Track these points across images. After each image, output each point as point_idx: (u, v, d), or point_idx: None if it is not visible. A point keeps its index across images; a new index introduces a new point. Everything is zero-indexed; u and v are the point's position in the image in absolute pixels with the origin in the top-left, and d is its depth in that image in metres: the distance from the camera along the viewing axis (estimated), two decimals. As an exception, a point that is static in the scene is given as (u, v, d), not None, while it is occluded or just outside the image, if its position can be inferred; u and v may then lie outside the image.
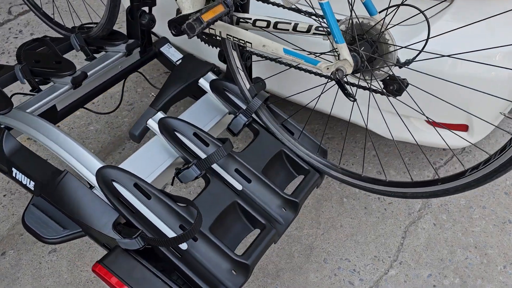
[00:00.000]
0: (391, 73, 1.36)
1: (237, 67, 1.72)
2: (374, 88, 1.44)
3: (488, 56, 1.68)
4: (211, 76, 1.87)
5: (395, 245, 2.12)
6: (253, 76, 1.91)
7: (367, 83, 1.40)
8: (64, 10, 3.40)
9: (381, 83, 1.42)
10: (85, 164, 1.49)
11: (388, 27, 1.30)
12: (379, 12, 1.37)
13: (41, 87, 1.86)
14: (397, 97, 1.43)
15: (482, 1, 1.69)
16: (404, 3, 1.28)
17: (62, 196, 1.43)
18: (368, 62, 1.34)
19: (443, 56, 1.29)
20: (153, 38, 2.20)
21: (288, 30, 1.49)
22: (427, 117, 1.42)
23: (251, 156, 1.64)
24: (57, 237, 1.47)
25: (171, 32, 1.57)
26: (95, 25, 2.01)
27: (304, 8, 1.50)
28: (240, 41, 1.52)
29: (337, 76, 1.28)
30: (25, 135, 1.65)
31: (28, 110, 1.73)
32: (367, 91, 1.49)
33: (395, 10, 1.30)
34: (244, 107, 1.76)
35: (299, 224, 2.19)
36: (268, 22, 1.52)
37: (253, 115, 1.75)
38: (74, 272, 2.01)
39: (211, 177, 1.56)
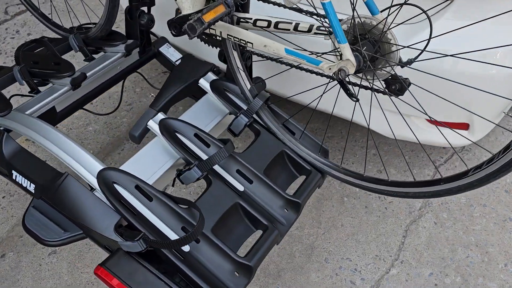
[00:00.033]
0: (393, 72, 1.35)
1: (238, 67, 1.71)
2: (376, 88, 1.43)
3: (489, 54, 1.68)
4: (211, 76, 1.86)
5: (396, 244, 2.12)
6: (253, 75, 1.90)
7: (369, 83, 1.40)
8: (61, 10, 3.38)
9: (383, 82, 1.42)
10: (86, 166, 1.48)
11: (390, 27, 1.29)
12: (381, 12, 1.36)
13: (40, 88, 1.84)
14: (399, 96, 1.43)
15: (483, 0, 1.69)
16: (407, 2, 1.27)
17: (63, 198, 1.42)
18: (370, 61, 1.33)
19: (446, 55, 1.28)
20: (152, 38, 2.19)
21: (289, 30, 1.48)
22: (430, 117, 1.42)
23: (252, 157, 1.64)
24: (58, 239, 1.46)
25: (171, 33, 1.56)
26: (94, 25, 2.00)
27: (305, 8, 1.49)
28: (241, 41, 1.51)
29: (340, 77, 1.27)
30: (25, 137, 1.63)
31: (27, 112, 1.71)
32: (368, 91, 1.49)
33: (397, 10, 1.29)
34: (245, 107, 1.75)
35: (300, 224, 2.19)
36: (269, 22, 1.51)
37: (254, 116, 1.74)
38: (75, 273, 2.00)
39: (213, 178, 1.55)
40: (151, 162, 1.58)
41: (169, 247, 1.33)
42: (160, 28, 2.20)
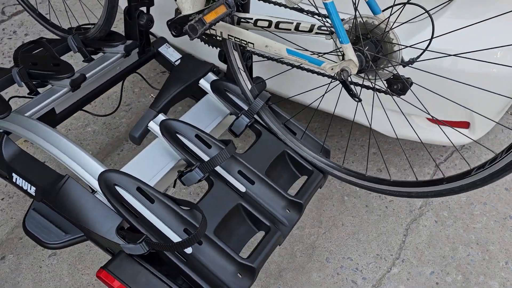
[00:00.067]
0: (395, 72, 1.35)
1: (238, 67, 1.70)
2: (378, 87, 1.43)
3: (490, 53, 1.68)
4: (211, 76, 1.85)
5: (397, 243, 2.12)
6: (253, 75, 1.90)
7: (371, 82, 1.39)
8: (58, 10, 3.36)
9: (384, 82, 1.41)
10: (87, 168, 1.47)
11: (393, 27, 1.28)
12: (383, 11, 1.36)
13: (39, 90, 1.83)
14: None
15: (484, -2, 1.69)
16: (410, 2, 1.26)
17: (64, 201, 1.41)
18: (372, 61, 1.33)
19: (450, 55, 1.28)
20: (151, 38, 2.18)
21: (290, 30, 1.48)
22: (432, 116, 1.41)
23: (254, 158, 1.63)
24: (59, 242, 1.45)
25: (172, 34, 1.56)
26: (92, 26, 1.98)
27: (306, 8, 1.49)
28: (242, 41, 1.51)
29: (342, 77, 1.27)
30: (25, 139, 1.62)
31: (26, 114, 1.70)
32: (369, 90, 1.48)
33: (399, 9, 1.28)
34: (245, 107, 1.75)
35: (300, 224, 2.19)
36: (270, 22, 1.50)
37: (255, 116, 1.74)
38: (75, 275, 1.99)
39: (214, 179, 1.54)
40: (152, 163, 1.57)
41: (172, 250, 1.32)
42: (159, 28, 2.19)
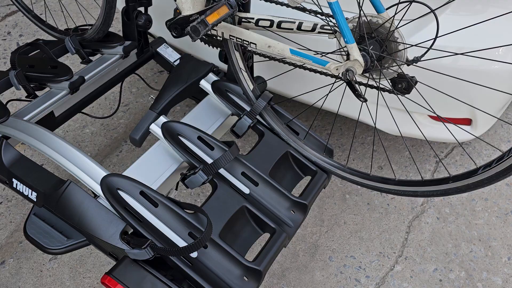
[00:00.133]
0: (400, 71, 1.34)
1: (240, 68, 1.69)
2: (383, 87, 1.42)
3: (491, 50, 1.67)
4: (212, 77, 1.83)
5: (400, 241, 2.11)
6: (254, 75, 1.88)
7: (376, 82, 1.38)
8: (53, 10, 3.32)
9: (389, 81, 1.40)
10: (89, 173, 1.45)
11: (398, 26, 1.27)
12: (387, 9, 1.34)
13: (37, 92, 1.80)
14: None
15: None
16: (415, 0, 1.25)
17: (66, 206, 1.39)
18: (377, 61, 1.31)
19: (456, 54, 1.27)
20: (149, 38, 2.16)
21: (292, 29, 1.46)
22: (437, 115, 1.40)
23: (257, 159, 1.62)
24: (61, 247, 1.44)
25: (172, 34, 1.53)
26: (90, 27, 1.96)
27: (309, 7, 1.47)
28: (244, 42, 1.49)
29: (348, 77, 1.25)
30: (24, 143, 1.60)
31: (25, 118, 1.68)
32: (373, 89, 1.47)
33: (404, 8, 1.27)
34: (247, 108, 1.73)
35: (302, 223, 2.17)
36: (272, 22, 1.48)
37: (257, 117, 1.72)
38: (77, 279, 1.97)
39: (218, 182, 1.53)
40: (155, 166, 1.56)
41: (178, 254, 1.30)
42: (157, 28, 2.16)
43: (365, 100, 1.30)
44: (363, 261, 2.04)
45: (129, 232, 1.41)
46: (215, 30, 1.55)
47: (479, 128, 1.97)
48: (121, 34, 2.03)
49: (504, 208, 2.22)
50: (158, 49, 2.04)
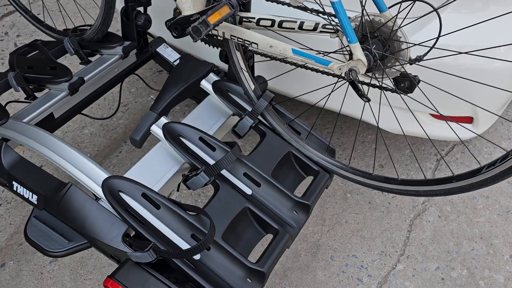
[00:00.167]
0: (403, 70, 1.33)
1: (241, 67, 1.67)
2: (385, 86, 1.41)
3: (492, 48, 1.66)
4: (212, 77, 1.82)
5: (401, 239, 2.11)
6: (254, 75, 1.87)
7: (378, 81, 1.37)
8: (50, 9, 3.30)
9: (392, 80, 1.39)
10: (90, 175, 1.44)
11: (401, 25, 1.26)
12: (389, 8, 1.33)
13: (36, 94, 1.79)
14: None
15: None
16: (418, -1, 1.24)
17: (67, 209, 1.38)
18: (380, 60, 1.30)
19: (460, 53, 1.26)
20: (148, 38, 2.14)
21: (293, 28, 1.45)
22: (440, 114, 1.40)
23: (259, 159, 1.61)
24: (62, 250, 1.43)
25: (172, 35, 1.52)
26: (89, 27, 1.94)
27: (310, 6, 1.46)
28: (245, 42, 1.48)
29: (351, 77, 1.24)
30: (24, 146, 1.59)
31: (24, 120, 1.66)
32: (375, 89, 1.46)
33: (407, 7, 1.26)
34: (249, 108, 1.72)
35: (304, 223, 2.17)
36: (273, 21, 1.47)
37: (259, 117, 1.71)
38: (78, 281, 1.96)
39: (220, 183, 1.52)
40: (156, 168, 1.55)
41: (181, 257, 1.30)
42: (156, 28, 2.15)
43: (369, 100, 1.29)
44: (365, 260, 2.03)
45: (131, 235, 1.40)
46: (215, 30, 1.54)
47: (480, 126, 1.96)
48: (119, 34, 2.02)
49: (506, 205, 2.22)
50: (157, 49, 2.03)
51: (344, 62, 1.30)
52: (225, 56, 1.82)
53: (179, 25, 1.50)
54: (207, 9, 1.39)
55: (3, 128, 1.60)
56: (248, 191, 1.53)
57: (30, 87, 1.75)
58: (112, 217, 1.38)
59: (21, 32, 3.25)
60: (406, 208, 2.22)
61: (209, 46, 1.77)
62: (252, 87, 1.71)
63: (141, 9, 1.93)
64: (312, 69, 1.52)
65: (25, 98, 1.79)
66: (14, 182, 1.48)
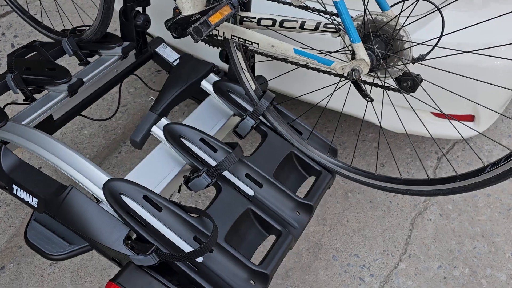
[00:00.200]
0: (406, 70, 1.32)
1: (242, 67, 1.66)
2: (388, 85, 1.40)
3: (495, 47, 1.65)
4: (213, 77, 1.81)
5: (403, 238, 2.10)
6: (255, 75, 1.86)
7: (381, 81, 1.36)
8: (48, 9, 3.28)
9: (394, 80, 1.38)
10: (91, 178, 1.42)
11: (404, 24, 1.25)
12: (391, 7, 1.32)
13: (35, 96, 1.77)
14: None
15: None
16: (421, -2, 1.23)
17: (68, 212, 1.37)
18: (382, 59, 1.29)
19: (464, 52, 1.25)
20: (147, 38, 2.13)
21: (295, 28, 1.43)
22: (443, 113, 1.39)
23: (261, 160, 1.59)
24: (63, 253, 1.42)
25: (172, 35, 1.51)
26: (87, 28, 1.92)
27: (312, 6, 1.45)
28: (246, 42, 1.46)
29: (354, 77, 1.23)
30: (23, 149, 1.57)
31: (23, 122, 1.65)
32: (377, 88, 1.45)
33: (410, 6, 1.25)
34: (250, 109, 1.71)
35: (306, 223, 2.16)
36: (274, 21, 1.46)
37: (260, 117, 1.70)
38: (78, 283, 1.95)
39: (222, 184, 1.51)
40: (157, 170, 1.53)
41: (183, 260, 1.28)
42: (155, 27, 2.13)
43: (372, 100, 1.28)
44: (367, 259, 2.03)
45: (133, 238, 1.39)
46: (216, 30, 1.52)
47: (482, 124, 1.96)
48: (118, 34, 2.00)
49: (507, 203, 2.22)
50: (157, 49, 2.02)
51: (347, 62, 1.29)
52: (225, 56, 1.81)
53: (179, 25, 1.48)
54: (208, 9, 1.38)
55: (2, 130, 1.58)
56: (250, 192, 1.52)
57: (29, 88, 1.74)
58: (113, 220, 1.37)
59: (19, 33, 3.22)
60: (407, 207, 2.22)
61: (209, 46, 1.76)
62: (253, 87, 1.70)
63: (140, 9, 1.91)
64: (314, 69, 1.51)
65: (23, 100, 1.77)
66: (14, 186, 1.47)
